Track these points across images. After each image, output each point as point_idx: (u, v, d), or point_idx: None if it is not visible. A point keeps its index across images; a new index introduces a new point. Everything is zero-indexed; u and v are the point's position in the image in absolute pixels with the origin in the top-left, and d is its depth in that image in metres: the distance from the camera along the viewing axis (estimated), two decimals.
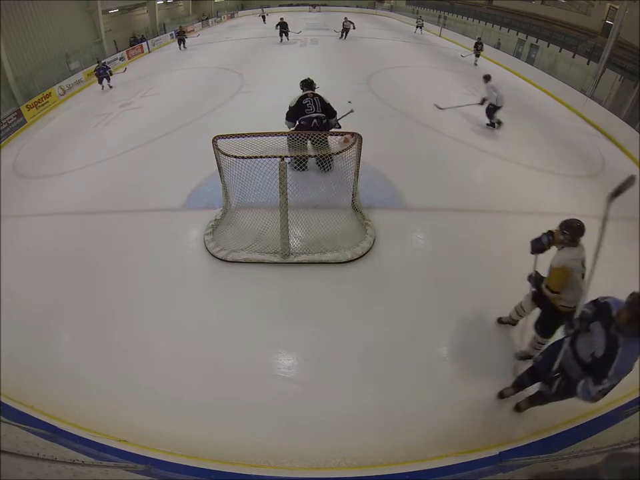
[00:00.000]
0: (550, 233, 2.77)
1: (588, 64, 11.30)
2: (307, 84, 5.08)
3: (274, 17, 24.49)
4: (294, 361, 3.09)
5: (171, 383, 2.90)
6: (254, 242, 4.04)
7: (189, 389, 2.86)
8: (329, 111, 4.92)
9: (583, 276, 2.60)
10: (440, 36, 19.48)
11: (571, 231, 2.62)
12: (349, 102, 5.77)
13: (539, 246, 2.80)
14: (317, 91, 5.11)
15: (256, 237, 4.07)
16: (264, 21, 23.45)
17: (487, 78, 6.90)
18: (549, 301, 2.73)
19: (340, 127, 5.21)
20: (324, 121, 4.81)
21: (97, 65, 11.43)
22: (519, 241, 4.23)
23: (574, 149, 6.88)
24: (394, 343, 3.16)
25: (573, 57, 12.24)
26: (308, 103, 4.80)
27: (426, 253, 4.25)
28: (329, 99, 5.02)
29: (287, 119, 4.96)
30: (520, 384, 2.65)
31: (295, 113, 4.84)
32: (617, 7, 10.68)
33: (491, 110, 6.99)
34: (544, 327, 2.89)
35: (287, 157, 3.49)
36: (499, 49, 14.79)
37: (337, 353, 3.08)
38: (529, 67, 12.11)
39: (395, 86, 9.52)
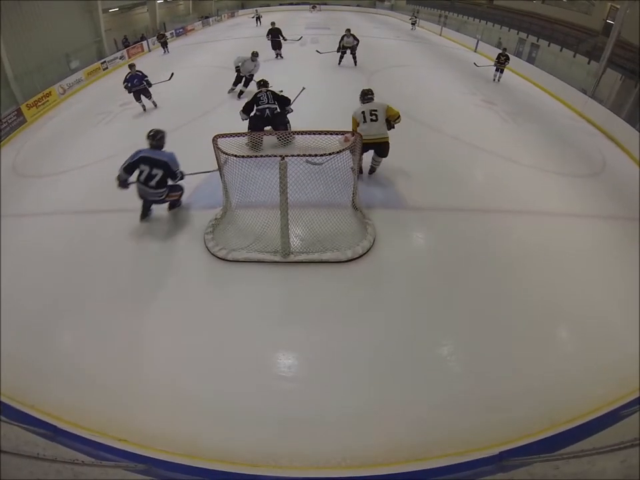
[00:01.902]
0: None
1: (589, 63, 11.29)
2: (263, 84, 5.98)
3: (272, 17, 24.37)
4: (294, 360, 3.09)
5: (171, 382, 2.90)
6: (254, 241, 4.04)
7: (189, 388, 2.86)
8: (281, 102, 5.90)
9: (365, 119, 4.62)
10: (441, 35, 19.48)
11: (360, 95, 4.95)
12: (303, 87, 6.67)
13: None
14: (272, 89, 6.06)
15: (256, 236, 4.07)
16: (258, 22, 21.63)
17: (255, 55, 8.62)
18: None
19: (292, 110, 6.12)
20: (275, 111, 5.87)
21: (128, 73, 7.71)
22: (519, 240, 4.27)
23: (574, 149, 6.88)
24: (394, 342, 3.16)
25: (574, 57, 12.22)
26: (261, 96, 5.80)
27: (427, 252, 4.25)
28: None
29: (242, 111, 5.91)
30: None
31: (251, 105, 5.84)
32: (618, 6, 10.65)
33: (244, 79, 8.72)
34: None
35: (287, 155, 3.49)
36: (499, 48, 14.76)
37: (337, 353, 3.08)
38: (529, 66, 12.10)
39: (395, 85, 9.51)
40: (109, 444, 2.42)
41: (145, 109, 8.19)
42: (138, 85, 7.71)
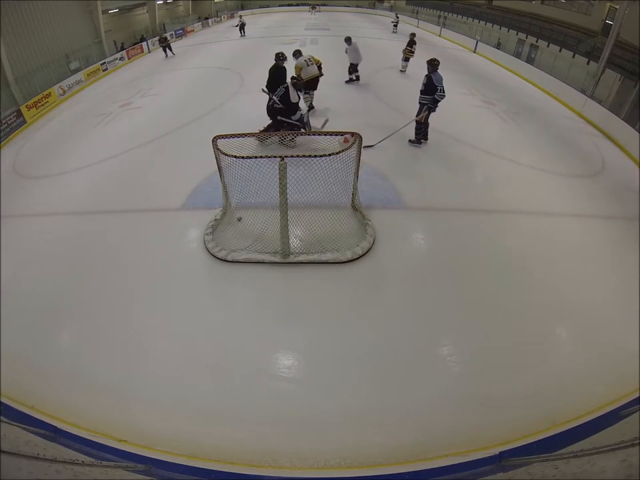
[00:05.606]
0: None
1: (588, 64, 11.30)
2: (295, 78, 6.04)
3: (270, 19, 24.23)
4: (294, 360, 3.09)
5: (171, 382, 2.91)
6: (254, 242, 4.04)
7: (189, 389, 2.86)
8: (286, 104, 5.75)
9: (308, 64, 6.80)
10: (440, 36, 19.49)
11: (294, 53, 6.89)
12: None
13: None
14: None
15: (256, 237, 4.07)
16: (242, 32, 17.23)
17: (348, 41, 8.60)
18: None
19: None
20: (274, 105, 5.83)
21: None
22: (519, 240, 4.27)
23: (574, 149, 6.88)
24: (394, 343, 3.16)
25: (573, 57, 12.23)
26: (280, 89, 5.78)
27: (426, 253, 4.25)
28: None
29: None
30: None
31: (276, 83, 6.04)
32: (617, 6, 10.67)
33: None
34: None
35: (286, 156, 3.49)
36: (498, 48, 14.80)
37: (336, 353, 3.08)
38: (528, 66, 12.11)
39: (393, 86, 9.51)
40: (109, 444, 2.42)
41: None
42: None
